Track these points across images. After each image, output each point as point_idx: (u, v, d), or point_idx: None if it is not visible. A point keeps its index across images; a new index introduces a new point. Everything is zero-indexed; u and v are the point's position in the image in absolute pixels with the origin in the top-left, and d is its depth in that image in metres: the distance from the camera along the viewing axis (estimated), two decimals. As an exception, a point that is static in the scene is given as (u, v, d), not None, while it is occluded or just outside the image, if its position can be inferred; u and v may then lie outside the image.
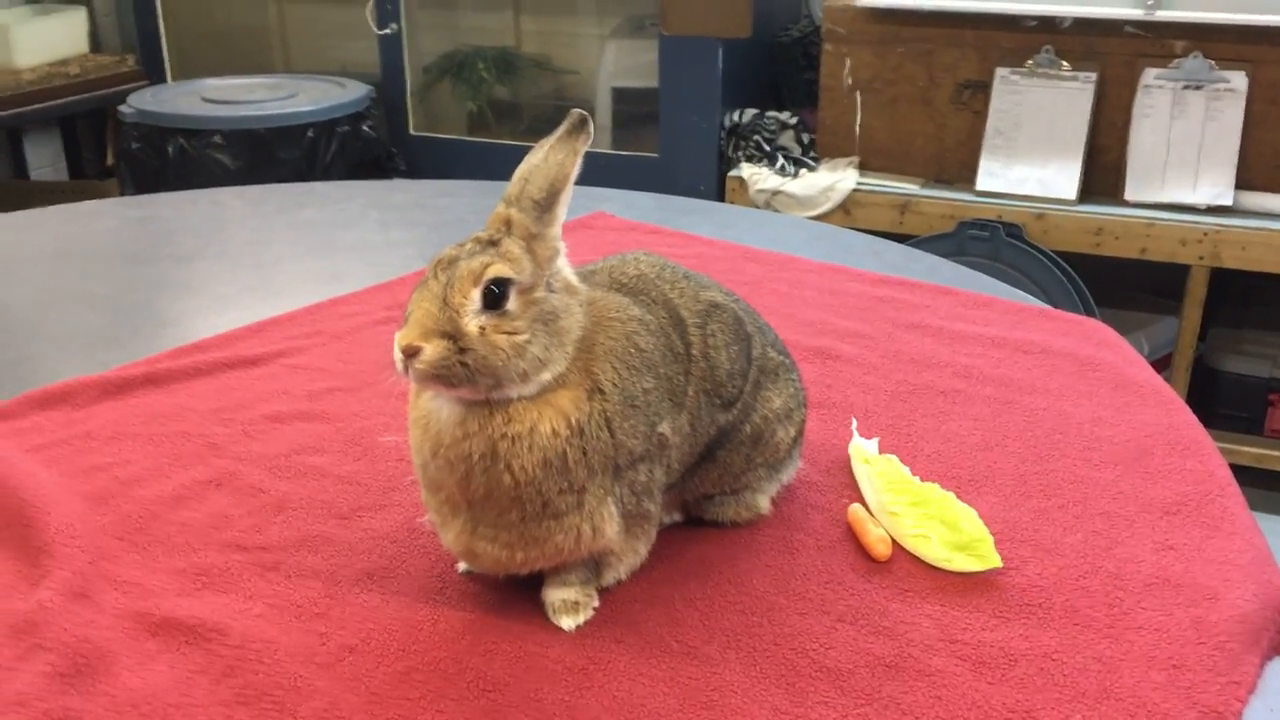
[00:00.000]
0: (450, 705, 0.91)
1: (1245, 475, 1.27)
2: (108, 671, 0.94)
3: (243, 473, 1.25)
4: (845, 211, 3.27)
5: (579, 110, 0.97)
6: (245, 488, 1.22)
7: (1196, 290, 3.04)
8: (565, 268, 0.98)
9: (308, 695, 0.92)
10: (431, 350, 0.89)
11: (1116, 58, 3.11)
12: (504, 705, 0.91)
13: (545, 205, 0.94)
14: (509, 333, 0.91)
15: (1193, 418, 1.36)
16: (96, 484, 1.22)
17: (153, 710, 0.90)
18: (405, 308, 0.93)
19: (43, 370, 1.50)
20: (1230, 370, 3.27)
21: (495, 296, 0.91)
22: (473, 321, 0.90)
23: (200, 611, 1.01)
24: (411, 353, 0.89)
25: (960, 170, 3.29)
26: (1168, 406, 1.39)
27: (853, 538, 1.13)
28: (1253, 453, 3.13)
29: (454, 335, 0.89)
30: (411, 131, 3.97)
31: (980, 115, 3.23)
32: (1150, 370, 1.49)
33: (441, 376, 0.90)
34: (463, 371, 0.89)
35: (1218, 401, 3.25)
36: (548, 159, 0.95)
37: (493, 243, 0.93)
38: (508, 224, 0.94)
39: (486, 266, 0.91)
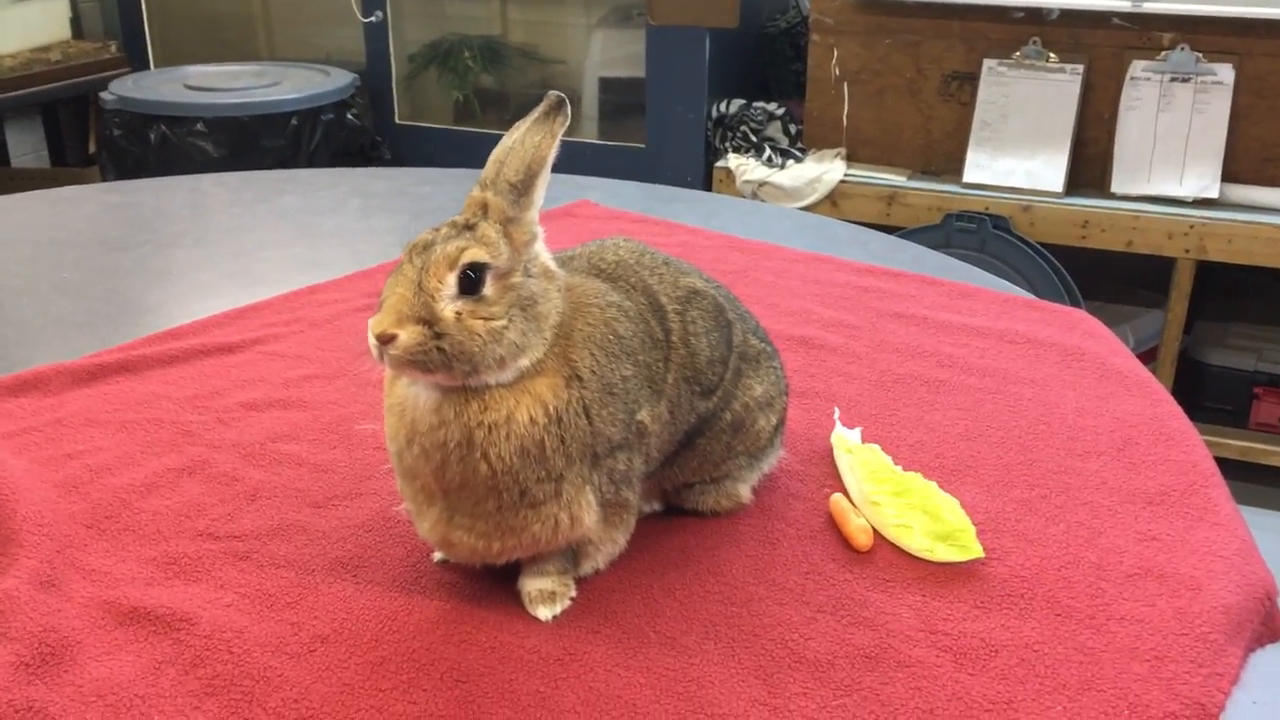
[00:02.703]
0: (423, 696, 0.89)
1: (1230, 468, 1.26)
2: (74, 661, 0.92)
3: (216, 460, 1.23)
4: (832, 203, 3.26)
5: (556, 91, 0.95)
6: (218, 476, 1.20)
7: (1183, 283, 3.04)
8: (543, 252, 0.96)
9: (277, 686, 0.90)
10: (406, 336, 0.87)
11: (1104, 50, 3.10)
12: (478, 696, 0.90)
13: (522, 189, 0.92)
14: (485, 318, 0.89)
15: (1177, 408, 1.35)
16: (67, 471, 1.20)
17: (119, 701, 0.88)
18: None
19: (15, 356, 1.48)
20: (1215, 363, 3.27)
21: (471, 281, 0.89)
22: (448, 307, 0.88)
23: (170, 601, 0.99)
24: (386, 339, 0.87)
25: (947, 162, 3.28)
26: (1152, 397, 1.38)
27: (834, 528, 1.12)
28: (1237, 445, 3.14)
29: (429, 321, 0.88)
30: (397, 120, 3.95)
31: (967, 107, 3.23)
32: (1135, 361, 1.48)
33: (417, 362, 0.88)
34: (439, 357, 0.88)
35: (1203, 394, 3.25)
36: (524, 141, 0.93)
37: (469, 227, 0.91)
38: (484, 208, 0.93)
39: (462, 251, 0.89)
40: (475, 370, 0.90)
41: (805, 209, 3.21)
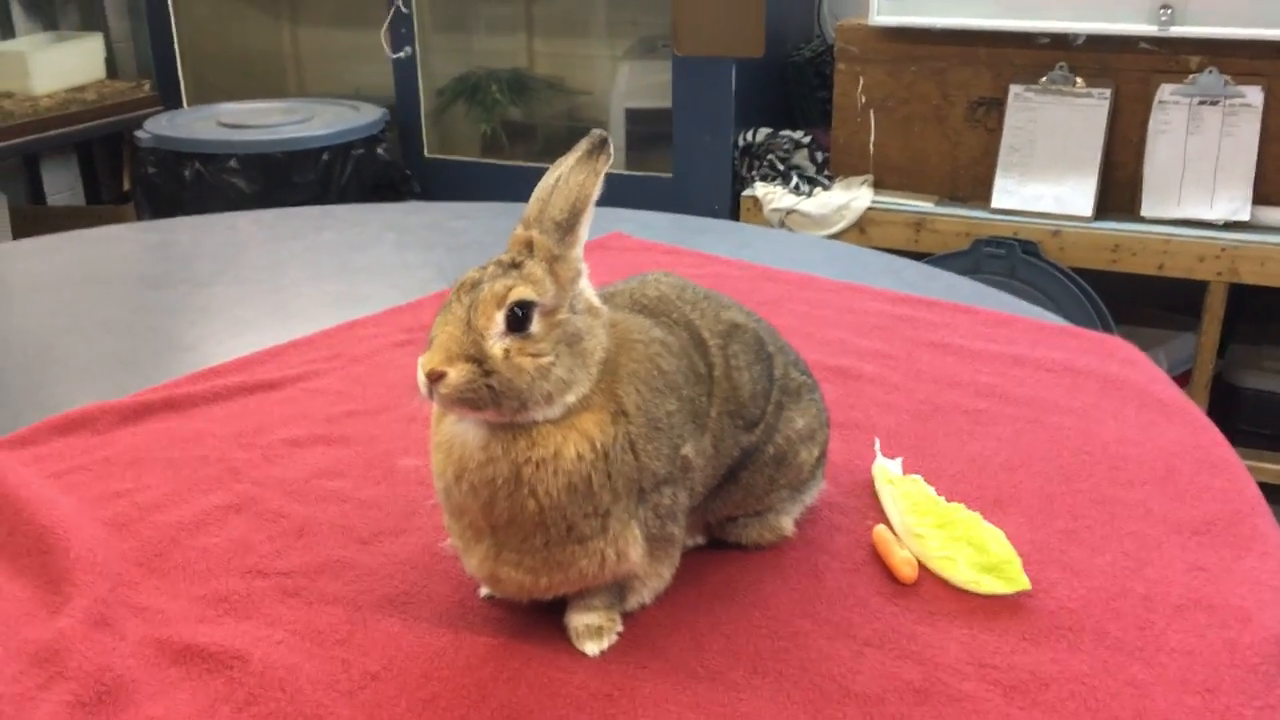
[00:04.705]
0: (474, 733, 0.90)
1: (1266, 493, 1.25)
2: (129, 700, 0.93)
3: (263, 497, 1.24)
4: (860, 230, 3.26)
5: (599, 130, 0.96)
6: (265, 512, 1.21)
7: (1215, 306, 3.02)
8: (587, 289, 0.97)
9: (331, 723, 0.91)
10: (456, 374, 0.88)
11: (1131, 74, 3.10)
12: (529, 732, 0.90)
13: (567, 227, 0.94)
14: (533, 355, 0.90)
15: (1220, 436, 1.35)
16: (116, 510, 1.21)
17: (175, 739, 0.89)
18: (428, 330, 0.92)
19: (61, 396, 1.50)
20: (1250, 386, 3.25)
21: (519, 319, 0.90)
22: (497, 344, 0.89)
23: (221, 638, 1.00)
24: (436, 377, 0.88)
25: (975, 188, 3.28)
26: (1194, 425, 1.37)
27: (878, 560, 1.12)
28: (1274, 470, 3.10)
29: (479, 359, 0.89)
30: (426, 154, 3.98)
31: (995, 132, 3.23)
32: (1176, 388, 1.48)
33: (466, 400, 0.89)
34: (488, 395, 0.89)
35: (1238, 418, 3.22)
36: (568, 180, 0.94)
37: (515, 265, 0.92)
38: (529, 246, 0.94)
39: (510, 289, 0.90)
40: (524, 407, 0.91)
41: (833, 236, 3.22)
